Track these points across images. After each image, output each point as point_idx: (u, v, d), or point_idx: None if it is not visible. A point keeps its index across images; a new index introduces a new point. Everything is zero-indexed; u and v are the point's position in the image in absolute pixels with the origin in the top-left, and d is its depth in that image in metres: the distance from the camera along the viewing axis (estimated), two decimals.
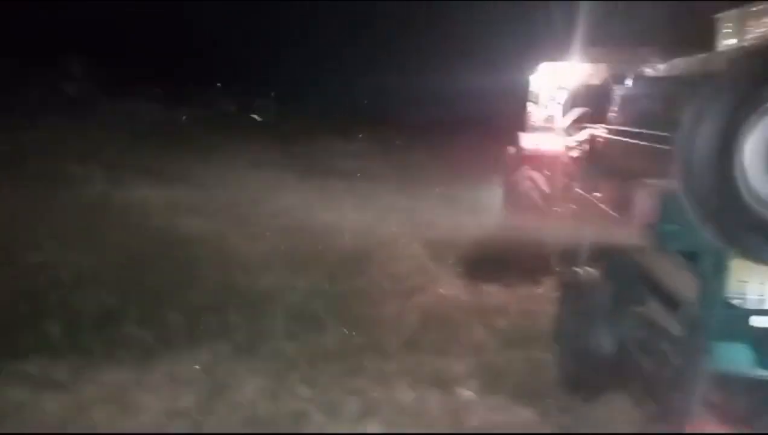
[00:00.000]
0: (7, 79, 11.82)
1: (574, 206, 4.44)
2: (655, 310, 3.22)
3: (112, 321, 4.18)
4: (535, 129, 6.07)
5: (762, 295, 2.78)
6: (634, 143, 3.37)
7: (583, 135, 4.79)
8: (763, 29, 2.87)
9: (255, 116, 13.49)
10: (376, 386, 3.58)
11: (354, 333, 4.33)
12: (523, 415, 3.32)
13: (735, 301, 2.73)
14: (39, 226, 6.02)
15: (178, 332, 4.16)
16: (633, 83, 3.86)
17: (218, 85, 16.61)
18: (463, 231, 6.37)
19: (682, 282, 2.94)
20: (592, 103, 5.15)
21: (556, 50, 6.12)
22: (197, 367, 3.71)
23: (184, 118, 12.74)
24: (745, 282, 2.79)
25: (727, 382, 2.91)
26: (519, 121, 6.36)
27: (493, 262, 5.49)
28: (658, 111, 3.30)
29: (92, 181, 7.88)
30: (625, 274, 3.57)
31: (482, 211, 6.91)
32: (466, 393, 3.55)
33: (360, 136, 9.65)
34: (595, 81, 5.41)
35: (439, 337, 4.34)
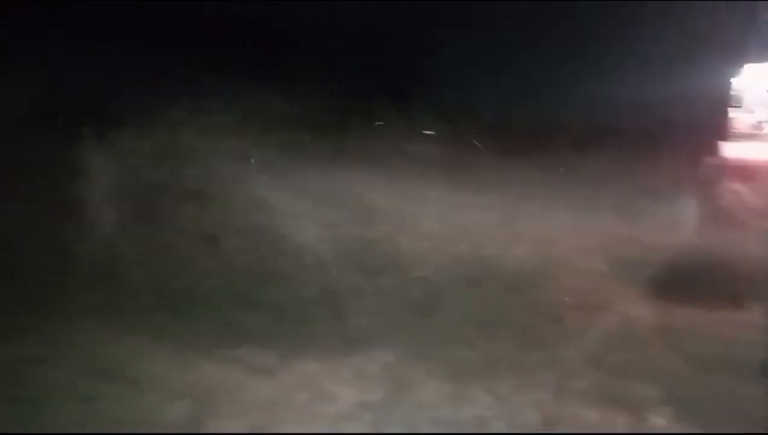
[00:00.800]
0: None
1: None
2: None
3: (310, 317, 4.61)
4: (739, 137, 5.50)
5: None
6: None
7: None
8: None
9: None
10: (557, 402, 3.51)
11: (533, 346, 4.27)
12: None
13: None
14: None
15: (362, 333, 4.45)
16: None
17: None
18: (653, 247, 5.94)
19: None
20: None
21: (762, 50, 5.50)
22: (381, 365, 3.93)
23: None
24: None
25: None
26: (719, 129, 5.79)
27: (686, 282, 5.06)
28: None
29: None
30: None
31: (675, 226, 6.38)
32: (659, 420, 3.33)
33: (540, 145, 9.45)
34: None
35: (624, 357, 4.11)
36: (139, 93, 6.61)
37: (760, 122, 5.32)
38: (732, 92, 5.80)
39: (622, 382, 3.74)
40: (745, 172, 5.14)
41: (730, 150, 5.41)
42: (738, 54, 5.82)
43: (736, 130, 5.57)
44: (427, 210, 7.85)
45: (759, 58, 5.48)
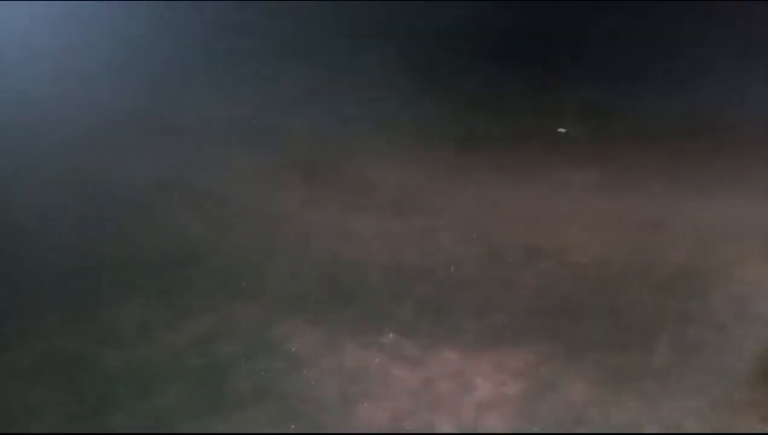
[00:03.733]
0: None
1: None
2: None
3: (450, 309, 4.72)
4: None
5: None
6: None
7: None
8: None
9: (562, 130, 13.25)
10: (716, 411, 3.30)
11: (690, 354, 4.02)
12: None
13: None
14: None
15: (505, 329, 4.45)
16: None
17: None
18: None
19: None
20: None
21: None
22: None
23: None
24: None
25: None
26: None
27: None
28: None
29: None
30: None
31: None
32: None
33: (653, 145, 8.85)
34: None
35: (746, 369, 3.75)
36: None
37: None
38: None
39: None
40: None
41: None
42: None
43: None
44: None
45: None
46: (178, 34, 10.03)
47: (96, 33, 9.48)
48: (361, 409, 3.44)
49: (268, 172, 6.74)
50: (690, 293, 5.08)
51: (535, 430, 3.25)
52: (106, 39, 9.39)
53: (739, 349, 4.05)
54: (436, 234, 7.20)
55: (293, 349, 4.14)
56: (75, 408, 3.61)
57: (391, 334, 4.27)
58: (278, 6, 13.06)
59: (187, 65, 8.67)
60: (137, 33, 9.29)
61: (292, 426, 3.33)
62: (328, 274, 5.79)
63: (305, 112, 10.79)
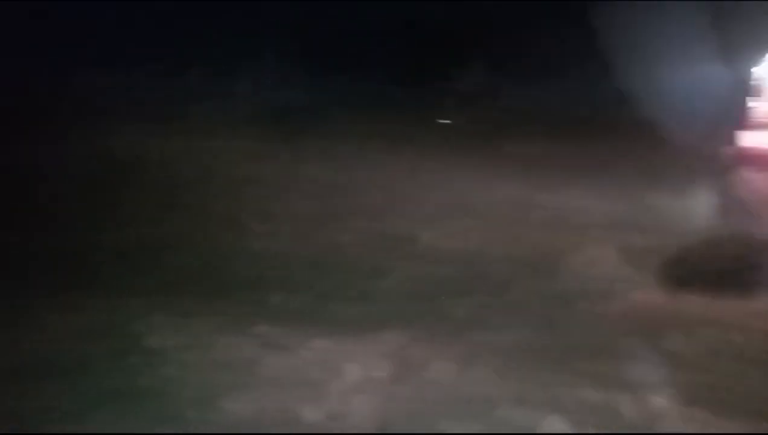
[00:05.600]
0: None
1: None
2: None
3: (322, 297, 4.76)
4: (758, 126, 5.43)
5: None
6: None
7: None
8: None
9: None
10: (564, 383, 3.58)
11: (545, 330, 4.33)
12: (724, 429, 3.08)
13: None
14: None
15: (379, 314, 4.56)
16: None
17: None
18: (669, 236, 5.93)
19: None
20: None
21: None
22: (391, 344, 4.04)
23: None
24: None
25: None
26: (739, 118, 5.73)
27: (701, 270, 5.07)
28: None
29: None
30: None
31: (693, 214, 6.37)
32: (658, 400, 3.38)
33: (557, 135, 9.50)
34: None
35: (633, 343, 4.15)
36: None
37: None
38: (752, 82, 5.73)
39: (628, 366, 3.79)
40: (763, 160, 5.09)
41: (750, 139, 5.36)
42: (757, 45, 5.76)
43: (755, 120, 5.50)
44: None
45: None
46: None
47: None
48: (225, 402, 3.37)
49: None
50: (546, 274, 5.51)
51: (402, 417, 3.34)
52: None
53: (583, 324, 4.44)
54: (318, 224, 7.29)
55: (155, 344, 3.99)
56: None
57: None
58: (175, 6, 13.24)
59: None
60: None
61: (154, 424, 3.19)
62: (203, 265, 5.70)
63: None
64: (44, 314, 4.38)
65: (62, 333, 4.13)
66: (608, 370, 3.73)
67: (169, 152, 9.19)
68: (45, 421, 3.15)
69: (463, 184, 8.72)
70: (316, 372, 3.69)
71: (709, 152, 6.35)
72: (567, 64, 12.03)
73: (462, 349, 3.97)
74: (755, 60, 5.67)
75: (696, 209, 6.32)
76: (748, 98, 5.67)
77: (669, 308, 4.73)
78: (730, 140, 5.64)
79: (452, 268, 5.63)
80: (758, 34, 6.10)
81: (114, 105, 11.15)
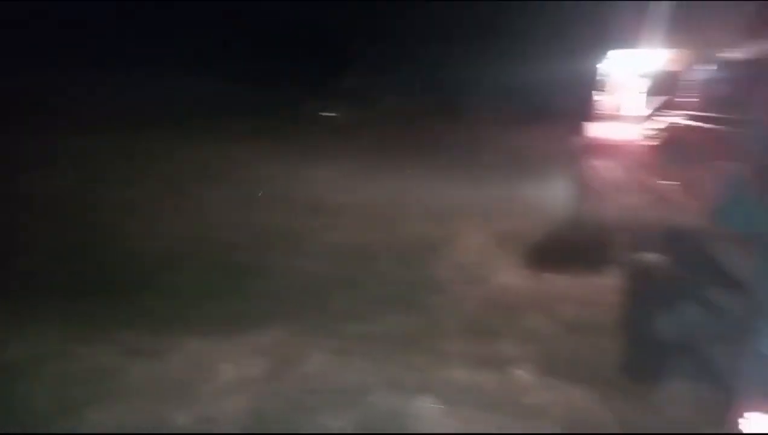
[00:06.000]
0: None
1: (645, 195, 4.38)
2: (719, 293, 3.17)
3: (197, 296, 4.58)
4: (604, 118, 5.96)
5: None
6: (709, 128, 3.33)
7: (661, 122, 4.68)
8: None
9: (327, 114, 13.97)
10: (434, 365, 3.72)
11: (418, 317, 4.47)
12: (579, 396, 3.35)
13: None
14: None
15: (254, 311, 4.47)
16: (714, 68, 3.77)
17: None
18: (531, 221, 6.36)
19: (745, 264, 2.89)
20: (669, 90, 5.00)
21: (630, 36, 5.96)
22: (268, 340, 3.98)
23: None
24: None
25: None
26: (587, 111, 6.26)
27: (559, 252, 5.48)
28: (734, 95, 3.23)
29: None
30: (691, 259, 3.51)
31: (550, 201, 6.86)
32: (520, 373, 3.62)
33: (420, 126, 9.87)
34: (674, 67, 5.24)
35: (499, 322, 4.41)
36: None
37: (622, 104, 5.78)
38: (598, 77, 6.26)
39: (494, 344, 4.02)
40: (608, 149, 5.58)
41: (597, 130, 5.86)
42: (603, 43, 6.31)
43: (603, 112, 6.02)
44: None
45: (619, 46, 5.95)
46: None
47: None
48: (89, 413, 3.15)
49: None
50: (422, 264, 5.70)
51: (279, 405, 3.30)
52: None
53: (453, 308, 4.64)
54: (196, 218, 7.02)
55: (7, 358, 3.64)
56: None
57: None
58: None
59: None
60: None
61: None
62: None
63: None
64: None
65: None
66: (476, 350, 3.93)
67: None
68: None
69: (345, 177, 8.82)
70: (187, 375, 3.55)
71: (563, 142, 6.88)
72: (437, 63, 12.54)
73: (339, 341, 3.99)
74: (600, 57, 6.20)
75: (554, 196, 6.81)
76: (594, 92, 6.20)
77: (531, 288, 5.07)
78: (581, 131, 6.14)
79: (331, 261, 5.67)
80: (603, 34, 6.67)
81: None
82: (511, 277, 5.33)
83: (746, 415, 2.61)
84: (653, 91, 5.29)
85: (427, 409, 3.21)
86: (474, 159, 8.58)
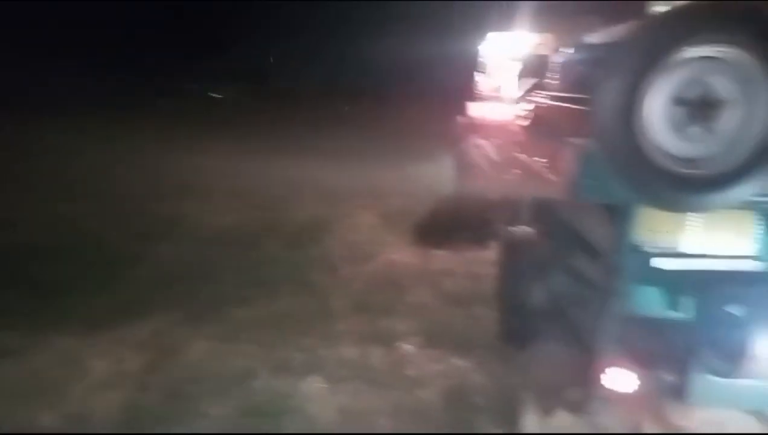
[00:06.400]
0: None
1: (519, 172, 4.60)
2: (582, 261, 3.42)
3: (68, 290, 4.27)
4: (484, 98, 6.18)
5: (671, 241, 2.99)
6: (567, 107, 3.53)
7: (531, 103, 4.92)
8: None
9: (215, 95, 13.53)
10: (323, 345, 3.73)
11: (307, 298, 4.46)
12: (460, 364, 3.51)
13: (646, 248, 2.92)
14: None
15: (132, 301, 4.25)
16: (572, 51, 3.99)
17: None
18: (416, 200, 6.53)
19: (602, 233, 3.14)
20: (539, 73, 5.27)
21: (505, 20, 6.20)
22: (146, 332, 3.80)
23: None
24: (657, 230, 3.00)
25: (642, 324, 3.14)
26: (469, 91, 6.46)
27: (443, 228, 5.67)
28: (588, 76, 3.46)
29: None
30: (557, 230, 3.76)
31: (434, 179, 7.06)
32: (407, 347, 3.72)
33: (310, 106, 9.79)
34: (544, 51, 5.52)
35: (387, 299, 4.50)
36: None
37: (498, 86, 6.01)
38: (478, 59, 6.47)
39: (381, 320, 4.10)
40: (487, 128, 5.80)
41: (477, 109, 6.06)
42: (483, 25, 6.52)
43: (482, 93, 6.23)
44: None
45: (498, 28, 6.16)
46: None
47: None
48: None
49: None
50: (311, 244, 5.69)
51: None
52: None
53: (342, 287, 4.68)
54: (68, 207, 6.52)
55: None
56: None
57: None
58: None
59: None
60: None
61: None
62: None
63: None
64: None
65: None
66: (364, 328, 3.99)
67: None
68: None
69: (232, 159, 8.57)
70: (56, 374, 3.31)
71: (448, 121, 7.08)
72: (327, 45, 12.48)
73: (224, 327, 3.89)
74: (480, 39, 6.40)
75: (439, 174, 7.01)
76: (475, 73, 6.40)
77: (418, 264, 5.22)
78: (463, 111, 6.33)
79: (218, 246, 5.51)
80: (483, 16, 6.89)
81: None
82: (399, 254, 5.45)
83: (606, 371, 2.86)
84: (525, 73, 5.54)
85: (314, 389, 3.22)
86: (364, 139, 8.64)
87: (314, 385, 3.27)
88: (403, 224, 6.03)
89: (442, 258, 5.30)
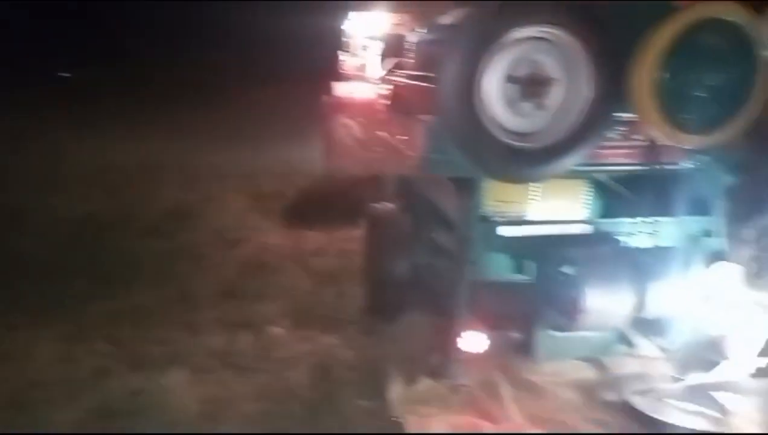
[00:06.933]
0: None
1: (381, 149, 4.67)
2: (439, 233, 3.57)
3: None
4: (349, 78, 6.21)
5: (515, 210, 3.21)
6: (420, 85, 3.63)
7: (391, 81, 5.00)
8: None
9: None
10: (186, 335, 3.60)
11: (170, 289, 4.27)
12: (328, 342, 3.55)
13: (493, 217, 3.11)
14: None
15: None
16: (425, 32, 4.09)
17: None
18: (285, 181, 6.46)
19: (455, 205, 3.29)
20: (399, 52, 5.36)
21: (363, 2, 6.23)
22: None
23: None
24: (502, 200, 3.20)
25: (492, 288, 3.35)
26: (334, 71, 6.47)
27: (313, 208, 5.65)
28: (434, 55, 3.57)
29: None
30: (417, 205, 3.89)
31: (302, 160, 7.04)
32: (276, 330, 3.69)
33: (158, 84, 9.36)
34: (403, 31, 5.62)
35: (256, 283, 4.42)
36: None
37: (362, 65, 6.07)
38: (343, 38, 6.48)
39: (250, 305, 4.03)
40: (353, 109, 5.85)
41: (342, 90, 6.10)
42: (346, 6, 6.51)
43: (346, 72, 6.27)
44: None
45: (361, 8, 6.20)
46: None
47: None
48: None
49: None
50: (176, 232, 5.45)
51: None
52: None
53: (214, 275, 4.55)
54: None
55: None
56: None
57: None
58: None
59: None
60: None
61: None
62: None
63: None
64: None
65: None
66: (232, 314, 3.88)
67: None
68: None
69: (84, 141, 7.95)
70: None
71: (312, 102, 7.05)
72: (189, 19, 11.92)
73: (75, 326, 3.62)
74: (345, 18, 6.40)
75: (308, 154, 6.99)
76: (339, 52, 6.42)
77: (288, 246, 5.17)
78: (329, 90, 6.34)
79: (71, 239, 5.10)
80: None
81: None
82: (269, 237, 5.36)
83: (462, 335, 3.02)
84: (387, 53, 5.63)
85: (175, 381, 3.09)
86: (229, 119, 8.37)
87: (175, 378, 3.14)
88: (273, 206, 5.94)
89: (313, 238, 5.29)
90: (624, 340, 3.21)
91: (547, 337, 3.11)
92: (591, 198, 3.23)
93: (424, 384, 3.01)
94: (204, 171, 6.90)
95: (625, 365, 3.11)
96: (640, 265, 2.92)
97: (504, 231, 3.02)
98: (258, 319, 3.83)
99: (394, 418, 2.80)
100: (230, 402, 2.96)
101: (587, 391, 2.99)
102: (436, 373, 3.06)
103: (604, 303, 2.84)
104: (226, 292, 4.27)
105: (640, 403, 2.73)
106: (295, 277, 4.57)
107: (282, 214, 5.77)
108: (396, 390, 2.99)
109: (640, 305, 2.89)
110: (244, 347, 3.54)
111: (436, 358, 3.12)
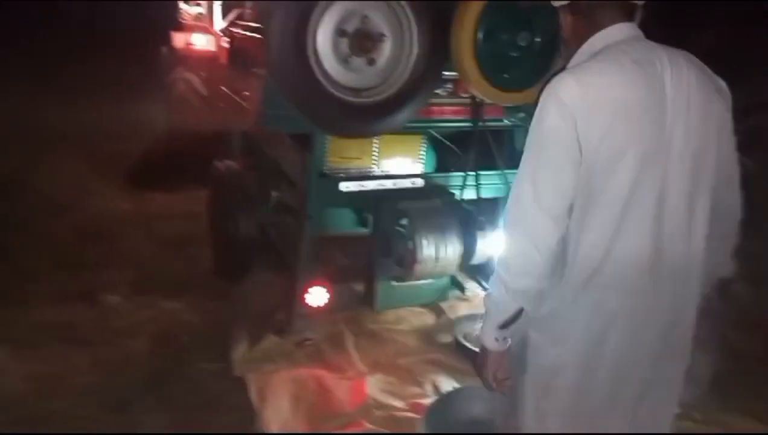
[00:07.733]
0: None
1: (223, 105, 4.49)
2: (283, 190, 3.56)
3: None
4: (188, 28, 5.82)
5: (355, 166, 3.27)
6: (257, 38, 3.50)
7: (232, 33, 4.77)
8: None
9: None
10: (11, 311, 3.30)
11: None
12: (171, 307, 3.44)
13: (333, 173, 3.15)
14: None
15: None
16: None
17: None
18: (124, 140, 6.02)
19: (295, 162, 3.28)
20: (240, 2, 5.09)
21: None
22: None
23: None
24: (341, 156, 3.25)
25: (334, 243, 3.44)
26: (174, 20, 6.00)
27: (155, 170, 5.32)
28: (272, 6, 3.45)
29: None
30: (261, 162, 3.82)
31: (142, 117, 6.58)
32: (112, 298, 3.51)
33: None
34: None
35: (94, 252, 4.14)
36: None
37: (202, 14, 5.69)
38: None
39: (86, 275, 3.77)
40: (194, 62, 5.52)
41: (182, 41, 5.70)
42: None
43: (185, 22, 5.84)
44: None
45: None
46: None
47: None
48: None
49: None
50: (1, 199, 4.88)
51: None
52: None
53: (45, 246, 4.16)
54: None
55: None
56: None
57: None
58: None
59: None
60: None
61: None
62: None
63: None
64: None
65: None
66: (66, 286, 3.62)
67: None
68: None
69: None
70: None
71: (148, 54, 6.57)
72: None
73: None
74: None
75: (150, 111, 6.53)
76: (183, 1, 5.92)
77: (129, 210, 4.88)
78: (166, 42, 5.91)
79: None
80: None
81: None
82: (108, 201, 5.00)
83: (307, 290, 3.07)
84: (228, 2, 5.35)
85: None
86: (63, 76, 7.57)
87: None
88: (113, 169, 5.52)
89: (156, 201, 5.03)
90: (457, 285, 3.46)
91: (388, 288, 3.26)
92: (425, 154, 3.37)
93: (270, 341, 3.04)
94: (33, 133, 6.18)
95: (458, 309, 3.36)
96: (469, 216, 3.14)
97: (344, 186, 3.07)
98: (95, 289, 3.60)
99: (238, 376, 2.81)
100: (58, 378, 2.79)
101: (425, 334, 3.20)
102: (281, 330, 3.10)
103: (438, 252, 3.03)
104: (58, 263, 3.95)
105: (468, 341, 2.97)
106: (136, 243, 4.34)
107: (121, 177, 5.40)
108: (241, 350, 2.99)
109: (470, 252, 3.12)
110: (78, 319, 3.32)
111: (282, 315, 3.15)
